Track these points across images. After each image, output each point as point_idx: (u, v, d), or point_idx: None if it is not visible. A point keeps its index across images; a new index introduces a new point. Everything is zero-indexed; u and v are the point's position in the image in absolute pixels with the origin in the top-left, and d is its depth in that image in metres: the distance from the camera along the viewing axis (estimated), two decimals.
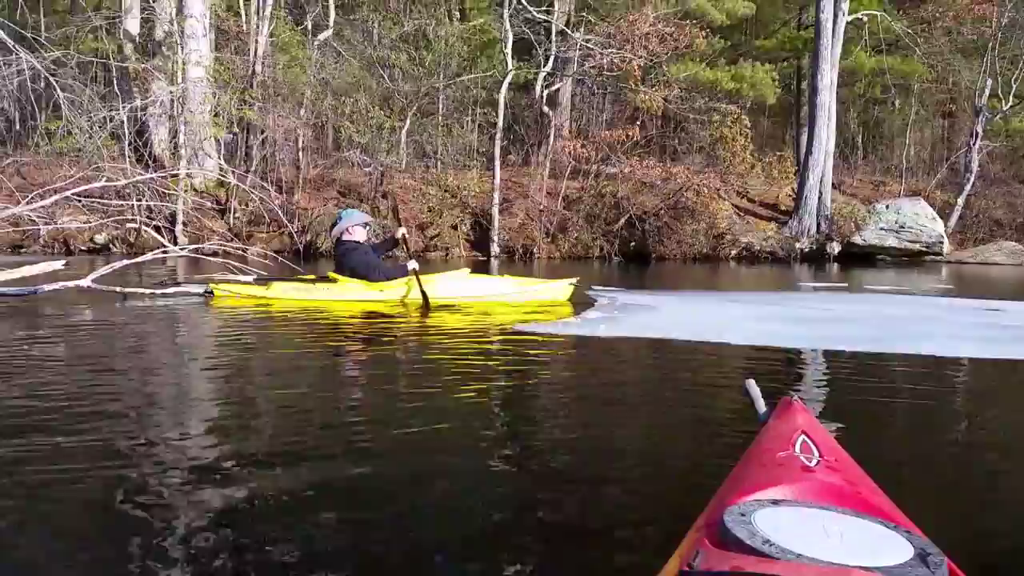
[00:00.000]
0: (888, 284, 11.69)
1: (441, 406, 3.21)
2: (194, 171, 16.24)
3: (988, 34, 20.89)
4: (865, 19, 20.84)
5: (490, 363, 4.30)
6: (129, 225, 14.52)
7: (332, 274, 6.95)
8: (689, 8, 20.30)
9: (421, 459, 2.47)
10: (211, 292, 6.89)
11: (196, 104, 16.20)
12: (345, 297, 6.77)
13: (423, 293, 6.60)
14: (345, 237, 6.90)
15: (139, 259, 8.76)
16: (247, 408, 3.21)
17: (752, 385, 2.09)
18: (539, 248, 17.71)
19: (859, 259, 18.46)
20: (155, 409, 3.06)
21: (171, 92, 16.21)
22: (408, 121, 18.00)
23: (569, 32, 19.00)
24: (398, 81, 18.27)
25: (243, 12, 18.22)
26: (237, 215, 16.24)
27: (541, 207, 18.27)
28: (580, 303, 7.14)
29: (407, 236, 7.06)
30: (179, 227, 15.58)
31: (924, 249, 18.49)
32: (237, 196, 16.06)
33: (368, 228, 7.38)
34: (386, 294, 6.83)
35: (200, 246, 10.86)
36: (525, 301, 7.08)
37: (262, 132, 16.45)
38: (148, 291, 6.98)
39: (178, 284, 7.67)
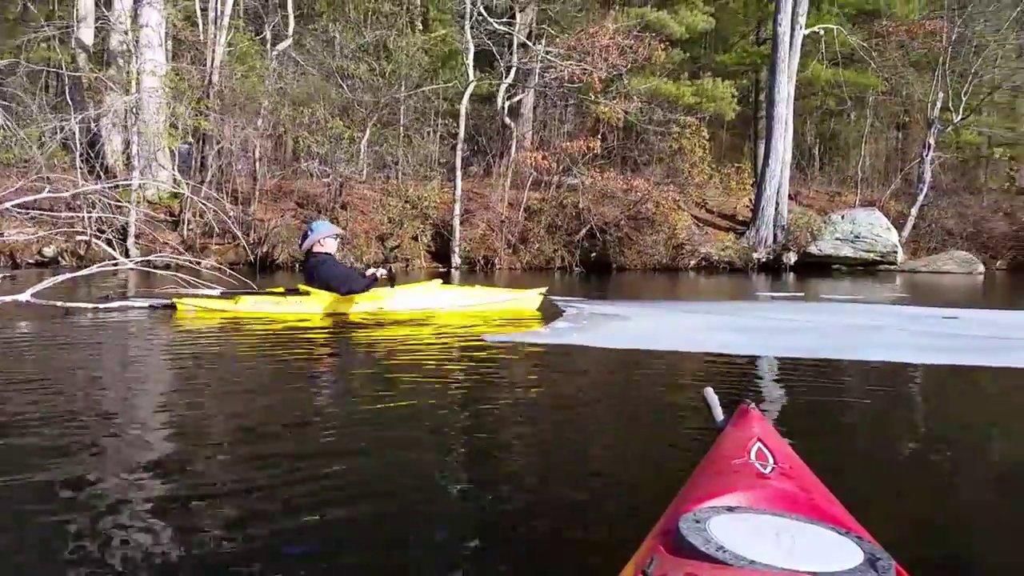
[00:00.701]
0: (844, 293, 11.83)
1: (407, 416, 3.23)
2: (146, 182, 15.90)
3: (939, 49, 21.37)
4: (822, 32, 21.21)
5: (459, 374, 4.31)
6: (79, 237, 14.16)
7: (303, 287, 6.83)
8: (649, 21, 20.48)
9: (385, 469, 2.48)
10: (173, 306, 6.69)
11: (150, 114, 15.90)
12: (318, 310, 6.68)
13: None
14: (316, 249, 6.80)
15: (81, 272, 8.49)
16: (199, 426, 3.08)
17: (710, 393, 2.12)
18: (500, 259, 17.66)
19: (815, 268, 18.70)
20: (93, 426, 2.93)
21: (125, 102, 15.88)
22: (368, 131, 17.84)
23: (530, 44, 19.04)
24: (358, 91, 18.10)
25: (200, 22, 17.93)
26: (191, 227, 15.93)
27: (503, 218, 18.23)
28: (548, 313, 7.14)
29: (386, 277, 6.98)
30: (131, 239, 15.24)
31: (879, 258, 18.80)
32: (191, 208, 15.76)
33: (339, 240, 7.28)
34: (362, 306, 6.76)
35: (149, 258, 10.61)
36: (495, 311, 7.08)
37: (218, 143, 16.17)
38: (91, 306, 6.76)
39: (124, 298, 7.46)
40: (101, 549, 1.77)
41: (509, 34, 18.90)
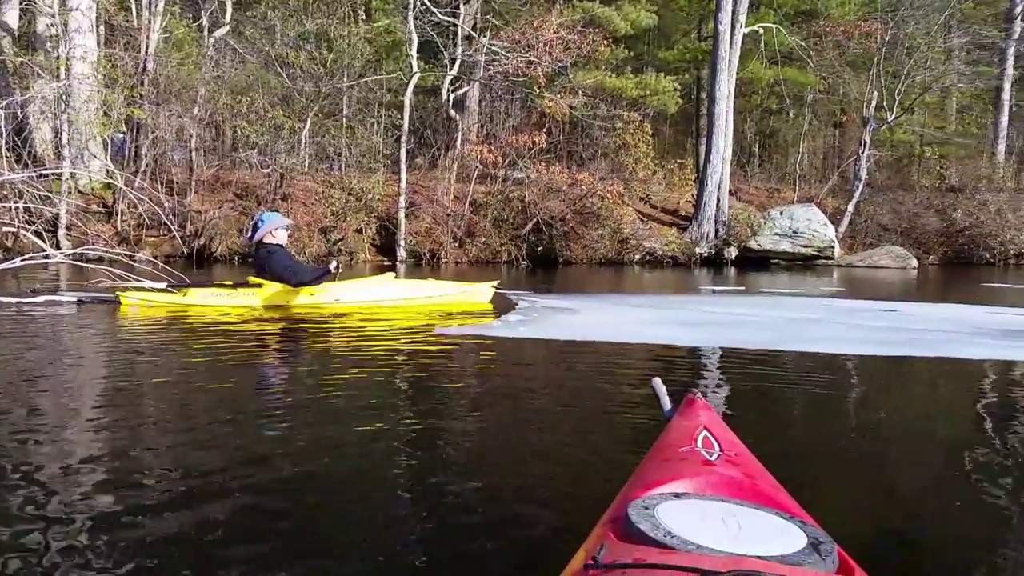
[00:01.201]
0: (783, 287, 12.09)
1: (356, 408, 3.22)
2: (77, 171, 15.33)
3: (874, 49, 21.93)
4: (761, 32, 21.56)
5: (411, 366, 4.33)
6: (5, 229, 13.58)
7: (253, 279, 6.73)
8: (594, 16, 20.54)
9: (332, 460, 2.46)
10: (111, 300, 6.51)
11: (81, 102, 15.31)
12: (272, 303, 6.59)
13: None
14: (267, 240, 6.71)
15: (6, 265, 8.14)
16: (135, 421, 2.96)
17: (658, 383, 2.15)
18: (446, 253, 17.53)
19: (755, 263, 19.05)
20: (16, 422, 2.81)
21: (53, 89, 15.27)
22: (309, 122, 17.49)
23: (475, 36, 18.92)
24: (298, 81, 17.72)
25: (133, 7, 17.33)
26: (125, 218, 15.42)
27: (448, 211, 18.09)
28: (500, 306, 7.22)
29: (339, 270, 6.95)
30: (62, 231, 14.67)
31: (816, 253, 19.24)
32: (125, 199, 15.25)
33: (289, 231, 7.19)
34: (316, 298, 6.71)
35: (78, 250, 10.22)
36: (448, 304, 7.16)
37: (153, 132, 15.67)
38: (14, 300, 6.46)
39: (55, 292, 7.17)
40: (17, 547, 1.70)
41: (453, 24, 18.73)
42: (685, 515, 1.20)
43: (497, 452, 2.66)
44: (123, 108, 15.41)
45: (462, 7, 18.41)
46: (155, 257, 15.26)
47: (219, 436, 2.72)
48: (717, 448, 1.53)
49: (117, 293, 6.59)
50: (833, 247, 19.39)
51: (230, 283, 6.98)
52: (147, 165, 15.83)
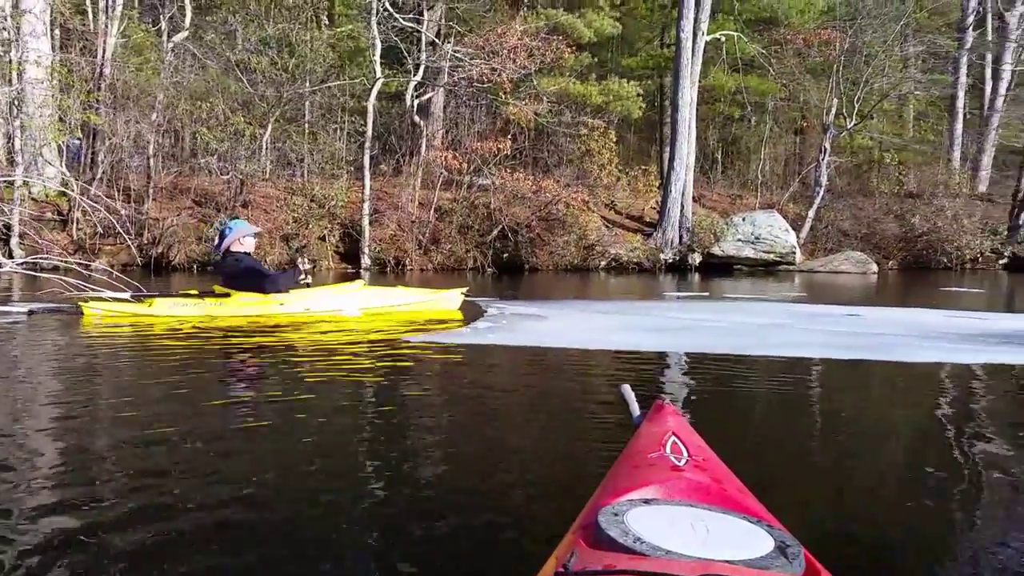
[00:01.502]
0: (746, 292, 12.17)
1: (325, 417, 3.18)
2: (29, 179, 14.94)
3: (833, 57, 22.28)
4: (723, 39, 21.78)
5: (380, 374, 4.28)
6: None
7: (219, 288, 6.61)
8: (558, 23, 20.60)
9: (299, 470, 2.44)
10: (70, 311, 6.36)
11: (34, 107, 14.94)
12: (242, 312, 6.45)
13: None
14: (235, 248, 6.61)
15: None
16: (94, 433, 2.87)
17: (627, 390, 2.16)
18: (411, 260, 17.41)
19: (718, 269, 19.20)
20: None
21: (5, 93, 14.88)
22: (270, 128, 17.25)
23: (438, 42, 18.85)
24: (259, 86, 17.47)
25: (90, 10, 16.97)
26: (81, 226, 15.06)
27: (413, 218, 17.97)
28: (469, 313, 7.19)
29: (310, 270, 6.91)
30: (15, 239, 14.30)
31: (778, 259, 19.44)
32: (81, 206, 14.91)
33: (257, 239, 7.06)
34: (286, 307, 6.60)
35: (29, 260, 9.94)
36: (418, 312, 7.13)
37: (109, 138, 15.34)
38: None
39: (4, 303, 6.96)
40: None
41: (416, 30, 18.65)
42: (654, 521, 1.21)
43: (466, 459, 2.64)
44: (78, 113, 15.06)
45: (425, 13, 18.30)
46: (112, 265, 14.95)
47: (178, 449, 2.64)
48: (685, 454, 1.55)
49: (79, 303, 6.42)
50: (795, 253, 19.61)
51: (195, 292, 6.83)
52: (103, 172, 15.49)
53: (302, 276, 6.72)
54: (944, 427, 3.26)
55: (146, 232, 15.19)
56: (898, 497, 2.36)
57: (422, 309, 7.22)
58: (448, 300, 7.42)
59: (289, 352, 5.14)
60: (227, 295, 6.53)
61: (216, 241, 6.91)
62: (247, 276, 6.50)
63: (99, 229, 14.83)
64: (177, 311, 6.41)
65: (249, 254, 6.72)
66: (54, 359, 4.62)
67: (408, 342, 5.34)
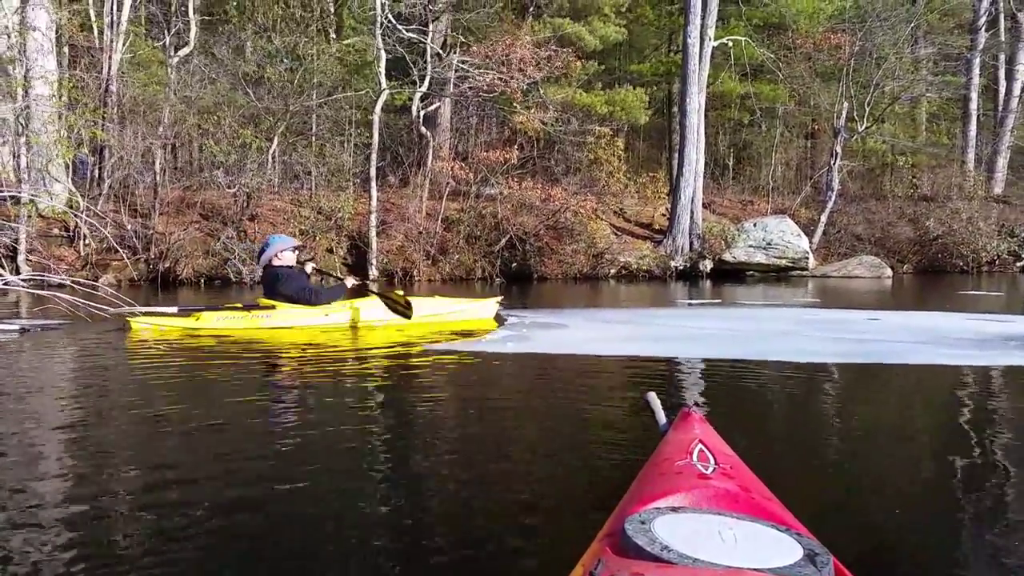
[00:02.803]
0: (759, 299, 12.02)
1: (365, 425, 3.32)
2: (35, 195, 14.95)
3: (843, 61, 22.06)
4: (730, 44, 21.63)
5: (413, 382, 4.46)
6: None
7: (263, 300, 6.85)
8: (564, 32, 20.52)
9: (332, 478, 2.52)
10: (127, 325, 6.57)
11: (40, 124, 14.98)
12: (288, 324, 6.68)
13: (392, 300, 6.86)
14: (275, 263, 6.85)
15: None
16: (164, 443, 3.01)
17: (653, 397, 2.17)
18: (419, 271, 17.30)
19: (730, 275, 19.00)
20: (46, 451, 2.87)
21: (12, 110, 14.93)
22: (276, 140, 17.21)
23: (442, 54, 18.79)
24: (265, 99, 17.44)
25: (95, 27, 17.02)
26: (88, 242, 15.04)
27: (420, 229, 17.87)
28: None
29: (356, 285, 7.29)
30: (22, 256, 14.28)
31: (791, 264, 19.19)
32: (87, 222, 14.90)
33: (297, 253, 7.24)
34: (332, 317, 6.84)
35: (34, 277, 9.89)
36: (457, 321, 7.34)
37: (117, 153, 15.34)
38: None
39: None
40: None
41: (421, 42, 18.59)
42: (681, 529, 1.20)
43: (493, 467, 2.67)
44: (85, 129, 15.08)
45: (430, 24, 18.24)
46: (119, 281, 14.97)
47: (235, 458, 2.77)
48: (712, 461, 1.55)
49: (127, 319, 6.62)
50: (807, 258, 19.36)
51: (240, 305, 7.04)
52: (111, 187, 15.49)
53: (348, 293, 7.07)
54: (967, 432, 3.22)
55: (153, 247, 15.14)
56: (931, 509, 2.32)
57: (459, 318, 7.41)
58: (484, 309, 7.65)
59: (325, 363, 5.19)
60: (272, 307, 6.74)
61: (257, 255, 7.28)
62: (291, 290, 6.72)
63: (106, 244, 14.81)
64: (224, 324, 6.61)
65: (292, 268, 6.93)
66: (105, 372, 4.77)
67: (439, 350, 5.48)
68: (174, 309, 7.12)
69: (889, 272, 19.61)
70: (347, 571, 1.79)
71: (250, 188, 15.88)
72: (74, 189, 14.93)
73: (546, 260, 18.30)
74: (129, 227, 13.55)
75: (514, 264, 18.16)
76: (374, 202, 17.06)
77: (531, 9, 22.52)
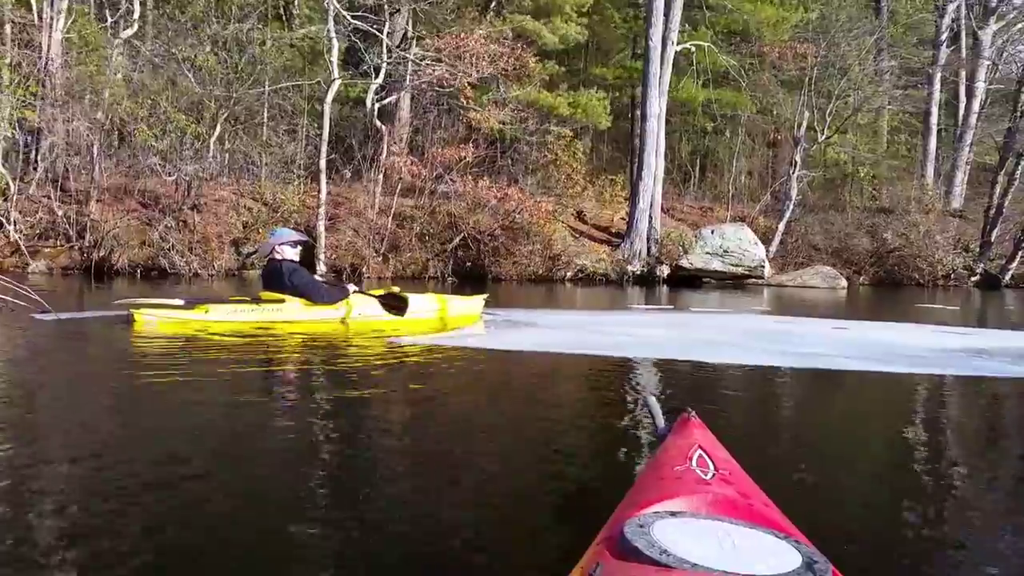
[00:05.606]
0: (713, 306, 11.90)
1: (358, 421, 3.34)
2: None
3: (806, 71, 22.03)
4: (693, 50, 21.47)
5: (407, 381, 4.45)
6: None
7: (265, 294, 6.93)
8: (523, 29, 20.21)
9: (324, 478, 2.50)
10: (130, 317, 6.40)
11: None
12: (298, 317, 6.80)
13: (388, 297, 7.17)
14: (276, 256, 6.90)
15: None
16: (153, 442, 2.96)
17: (652, 401, 2.14)
18: (369, 267, 16.86)
19: (686, 281, 18.80)
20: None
21: None
22: (219, 128, 16.64)
23: (392, 47, 18.33)
24: (207, 85, 16.84)
25: (34, 4, 16.34)
26: (19, 227, 14.40)
27: (372, 224, 17.42)
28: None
29: (359, 292, 7.36)
30: None
31: (747, 272, 19.03)
32: (19, 206, 14.28)
33: (298, 248, 7.20)
34: (340, 310, 7.01)
35: None
36: (450, 317, 7.54)
37: (49, 135, 14.71)
38: None
39: None
40: None
41: (376, 32, 18.14)
42: (681, 534, 1.21)
43: (489, 468, 2.67)
44: (17, 110, 14.44)
45: (387, 16, 17.78)
46: (51, 269, 14.35)
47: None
48: (712, 467, 1.56)
49: (131, 310, 6.47)
50: (763, 266, 19.21)
51: (248, 299, 7.06)
52: (45, 171, 14.86)
53: (353, 289, 7.23)
54: (942, 439, 3.28)
55: (88, 234, 14.53)
56: (926, 509, 2.33)
57: (453, 315, 7.57)
58: (472, 306, 7.90)
59: (319, 358, 5.26)
60: (281, 300, 6.80)
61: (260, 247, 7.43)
62: (300, 285, 6.78)
63: (38, 231, 14.22)
64: (235, 317, 6.60)
65: (296, 263, 6.96)
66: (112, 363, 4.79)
67: (435, 345, 5.63)
68: (180, 301, 6.97)
69: (844, 283, 19.54)
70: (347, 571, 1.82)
71: (190, 176, 15.31)
72: (4, 172, 14.29)
73: (501, 260, 17.98)
74: (60, 212, 12.94)
75: (468, 264, 17.82)
76: (323, 195, 16.59)
77: (492, 5, 22.16)
